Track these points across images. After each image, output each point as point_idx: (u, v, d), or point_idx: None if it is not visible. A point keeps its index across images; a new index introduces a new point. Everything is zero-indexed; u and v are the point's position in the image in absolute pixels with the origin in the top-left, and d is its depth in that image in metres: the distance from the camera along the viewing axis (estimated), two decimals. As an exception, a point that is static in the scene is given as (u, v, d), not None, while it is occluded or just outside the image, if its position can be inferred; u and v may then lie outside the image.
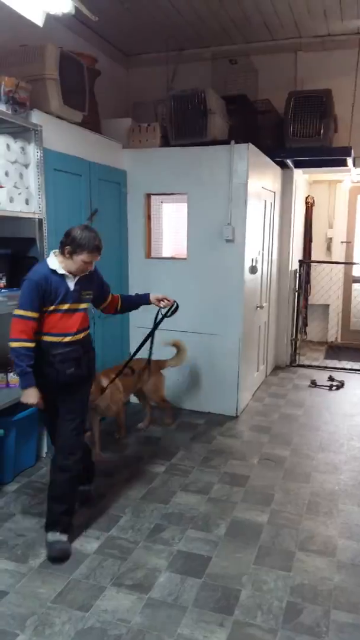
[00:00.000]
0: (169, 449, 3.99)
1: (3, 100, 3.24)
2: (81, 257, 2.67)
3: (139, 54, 5.81)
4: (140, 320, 4.77)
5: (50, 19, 3.32)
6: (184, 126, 4.55)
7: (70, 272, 2.72)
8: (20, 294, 2.69)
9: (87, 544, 2.78)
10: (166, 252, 5.13)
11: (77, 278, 2.77)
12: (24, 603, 2.33)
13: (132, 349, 4.81)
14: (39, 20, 3.23)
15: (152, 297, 3.22)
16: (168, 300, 3.25)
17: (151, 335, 3.47)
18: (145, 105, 5.35)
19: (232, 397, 4.73)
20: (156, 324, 3.42)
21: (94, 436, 3.79)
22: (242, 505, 3.18)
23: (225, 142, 4.47)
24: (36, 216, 3.47)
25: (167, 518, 3.03)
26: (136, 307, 3.30)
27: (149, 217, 4.85)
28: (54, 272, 2.70)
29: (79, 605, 2.32)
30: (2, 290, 3.31)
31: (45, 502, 2.84)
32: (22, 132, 3.39)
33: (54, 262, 2.73)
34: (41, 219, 3.49)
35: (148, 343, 3.49)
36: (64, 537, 2.71)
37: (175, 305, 3.31)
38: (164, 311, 3.35)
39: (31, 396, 2.67)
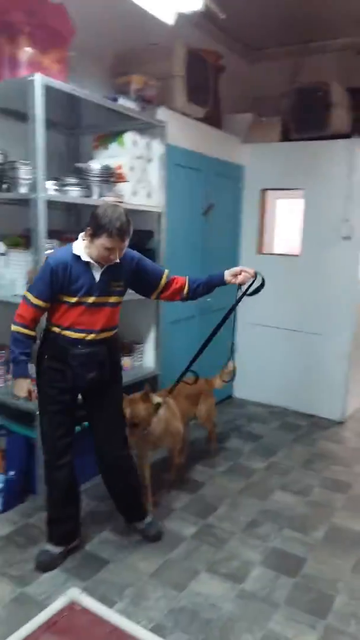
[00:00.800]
0: (270, 447, 3.98)
1: (132, 98, 3.41)
2: (101, 242, 2.26)
3: (263, 48, 5.77)
4: (251, 315, 4.80)
5: (178, 16, 3.41)
6: (305, 119, 4.46)
7: (95, 260, 2.35)
8: (35, 276, 2.42)
9: (185, 528, 2.87)
10: (278, 249, 5.08)
11: (104, 267, 2.38)
12: (124, 574, 2.48)
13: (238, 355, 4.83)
14: (169, 19, 3.35)
15: (226, 274, 2.61)
16: (247, 272, 2.58)
17: (221, 324, 2.79)
18: (267, 100, 5.32)
19: (339, 401, 4.58)
20: (232, 307, 2.72)
21: (143, 478, 2.98)
22: (343, 513, 3.09)
23: (347, 135, 4.32)
24: (156, 209, 3.61)
25: (264, 514, 3.04)
26: (209, 291, 2.69)
27: (263, 213, 4.83)
28: (77, 258, 2.34)
29: (173, 585, 2.42)
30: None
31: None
32: (148, 128, 3.53)
33: (79, 246, 2.36)
34: (160, 213, 3.63)
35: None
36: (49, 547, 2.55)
37: (257, 278, 2.61)
38: (244, 288, 2.65)
39: (21, 388, 2.44)
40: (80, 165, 3.22)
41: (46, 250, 2.84)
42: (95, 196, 3.18)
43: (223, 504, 3.14)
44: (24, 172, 2.88)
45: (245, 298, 2.69)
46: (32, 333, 2.38)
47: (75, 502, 2.62)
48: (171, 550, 2.67)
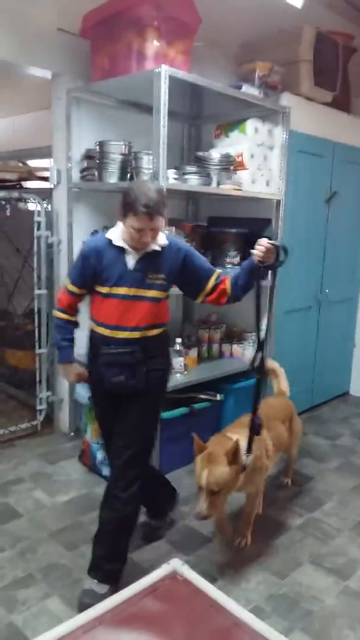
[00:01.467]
0: (386, 447, 3.77)
1: (256, 84, 3.39)
2: (129, 222, 2.03)
3: None
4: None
5: (307, -1, 3.33)
6: None
7: (130, 246, 2.13)
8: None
9: (291, 518, 2.83)
10: None
11: (140, 254, 2.14)
12: (226, 553, 2.52)
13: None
14: (297, 2, 3.27)
15: (254, 254, 2.16)
16: (260, 245, 2.11)
17: (257, 315, 2.28)
18: None
19: None
20: (256, 288, 2.23)
21: (222, 526, 2.61)
22: None
23: None
24: (275, 197, 3.56)
25: (376, 515, 2.90)
26: (247, 280, 2.24)
27: (393, 202, 4.54)
28: (111, 243, 2.14)
29: (275, 571, 2.41)
30: (235, 266, 3.51)
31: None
32: (270, 115, 3.49)
33: (115, 230, 2.16)
34: (279, 200, 3.58)
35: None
36: (100, 588, 2.12)
37: (278, 252, 2.13)
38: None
39: (68, 373, 2.37)
40: (200, 153, 3.29)
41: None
42: (214, 184, 3.23)
43: (332, 500, 3.04)
44: (146, 162, 3.01)
45: None
46: (72, 318, 2.30)
47: (130, 533, 2.24)
48: (275, 539, 2.65)
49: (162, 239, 2.18)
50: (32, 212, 3.47)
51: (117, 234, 2.14)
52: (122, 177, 3.16)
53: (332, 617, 2.15)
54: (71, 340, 2.32)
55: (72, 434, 3.66)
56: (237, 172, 3.36)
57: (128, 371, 2.15)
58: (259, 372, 2.34)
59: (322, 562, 2.48)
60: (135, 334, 2.15)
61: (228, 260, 3.54)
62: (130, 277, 2.12)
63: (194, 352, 3.54)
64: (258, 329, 2.30)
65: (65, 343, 2.30)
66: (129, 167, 3.15)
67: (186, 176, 3.15)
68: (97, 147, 3.17)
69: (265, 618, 2.11)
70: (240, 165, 3.38)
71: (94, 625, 1.46)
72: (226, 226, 3.64)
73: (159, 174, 2.80)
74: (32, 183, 5.35)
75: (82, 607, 1.98)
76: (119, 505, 2.16)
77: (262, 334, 2.31)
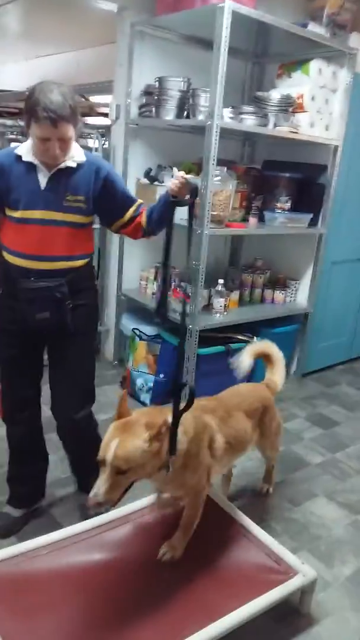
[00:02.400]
0: None
1: (324, 22, 3.28)
2: (32, 130, 1.77)
3: None
4: None
5: None
6: None
7: (41, 161, 1.86)
8: None
9: (311, 456, 2.98)
10: None
11: (53, 171, 1.87)
12: (245, 478, 2.70)
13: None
14: None
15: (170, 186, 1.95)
16: (177, 180, 1.91)
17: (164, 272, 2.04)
18: None
19: None
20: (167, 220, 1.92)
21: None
22: None
23: None
24: (333, 143, 3.50)
25: None
26: (162, 214, 2.01)
27: None
28: (19, 159, 1.87)
29: (289, 499, 2.58)
30: (286, 212, 3.52)
31: (283, 411, 3.12)
32: (336, 56, 3.38)
33: (25, 144, 1.88)
34: (337, 146, 3.51)
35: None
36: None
37: (193, 191, 1.91)
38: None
39: None
40: (259, 93, 3.26)
41: (215, 177, 3.00)
42: (270, 126, 3.21)
43: (355, 444, 3.15)
44: (203, 100, 3.03)
45: None
46: None
47: (36, 460, 2.27)
48: (293, 472, 2.81)
49: (78, 155, 1.91)
50: (90, 149, 3.58)
51: (27, 149, 1.87)
52: (179, 114, 3.20)
53: (338, 543, 2.32)
54: None
55: (115, 362, 3.90)
56: (296, 114, 3.32)
57: (53, 307, 1.93)
58: (158, 316, 2.25)
59: (335, 497, 2.63)
60: (59, 264, 1.93)
61: (279, 205, 3.55)
62: (44, 198, 1.87)
63: (235, 295, 3.63)
64: (165, 266, 1.96)
65: None
66: (186, 105, 3.18)
67: (242, 116, 3.15)
68: (157, 83, 3.20)
69: (275, 536, 2.28)
70: (300, 108, 3.33)
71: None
72: (280, 170, 3.63)
73: (214, 112, 2.82)
74: (92, 119, 5.42)
75: None
76: (83, 429, 2.14)
77: (169, 271, 2.06)
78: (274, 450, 2.44)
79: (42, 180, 1.87)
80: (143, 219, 2.09)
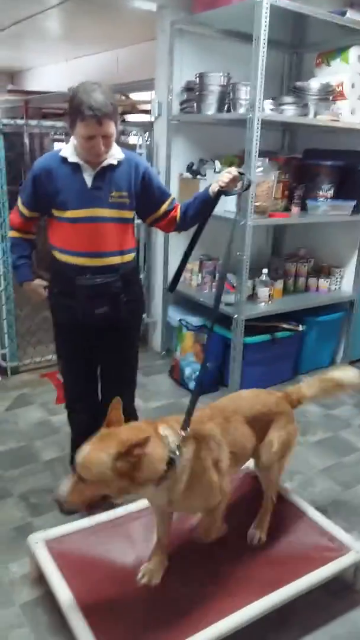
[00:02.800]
0: None
1: (362, 8, 3.27)
2: (77, 130, 1.86)
3: None
4: None
5: None
6: None
7: (85, 161, 1.96)
8: None
9: (359, 442, 3.03)
10: None
11: (97, 170, 1.96)
12: (295, 463, 2.74)
13: None
14: None
15: (213, 185, 2.06)
16: (228, 172, 2.02)
17: (196, 236, 2.14)
18: None
19: None
20: (207, 211, 2.09)
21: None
22: None
23: None
24: (374, 129, 3.49)
25: None
26: (197, 212, 2.13)
27: None
28: (64, 161, 1.97)
29: (340, 482, 2.63)
30: (328, 200, 3.54)
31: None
32: (376, 41, 3.37)
33: (68, 146, 1.98)
34: (378, 132, 3.50)
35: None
36: None
37: (242, 180, 2.04)
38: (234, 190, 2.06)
39: (31, 292, 2.21)
40: (298, 83, 3.29)
41: (257, 168, 3.05)
42: (311, 115, 3.24)
43: None
44: (243, 93, 3.09)
45: None
46: (27, 236, 2.17)
47: None
48: (343, 457, 2.86)
49: (118, 152, 2.01)
50: (133, 145, 3.69)
51: (71, 150, 1.96)
52: (220, 108, 3.27)
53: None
54: (28, 258, 2.19)
55: (163, 352, 4.02)
56: (337, 102, 3.33)
57: (111, 301, 2.04)
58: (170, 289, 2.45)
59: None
60: (112, 260, 2.03)
61: (321, 193, 3.57)
62: (91, 196, 1.96)
63: (279, 284, 3.68)
64: (187, 254, 2.19)
65: (22, 261, 2.17)
66: (227, 99, 3.25)
67: (282, 107, 3.20)
68: (197, 79, 3.28)
69: (327, 518, 2.35)
70: (340, 95, 3.34)
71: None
72: (322, 158, 3.64)
73: (255, 105, 2.87)
74: (133, 116, 5.54)
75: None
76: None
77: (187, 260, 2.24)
78: (273, 472, 1.98)
79: (88, 179, 1.97)
80: (177, 213, 2.18)
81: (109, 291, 2.03)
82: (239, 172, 2.03)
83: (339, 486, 2.61)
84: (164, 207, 2.17)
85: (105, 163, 1.98)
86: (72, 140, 1.98)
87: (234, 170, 2.02)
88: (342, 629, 1.83)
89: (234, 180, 2.02)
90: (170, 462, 1.54)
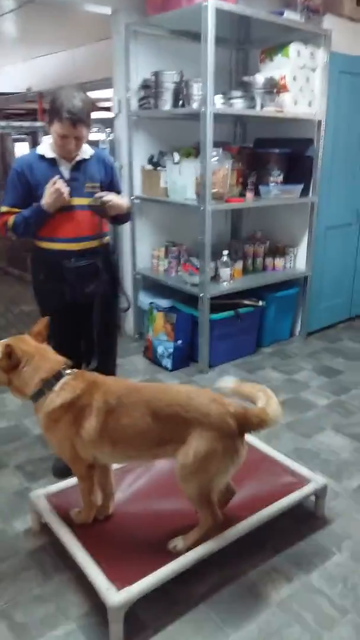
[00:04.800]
0: None
1: (298, 9, 3.59)
2: (54, 128, 2.13)
3: None
4: None
5: None
6: None
7: (61, 157, 2.22)
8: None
9: (319, 399, 3.36)
10: None
11: (73, 163, 2.24)
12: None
13: None
14: None
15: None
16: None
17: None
18: None
19: None
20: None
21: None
22: None
23: None
24: (316, 117, 3.82)
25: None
26: (122, 215, 2.42)
27: None
28: (42, 157, 2.23)
29: (301, 433, 2.97)
30: (279, 185, 3.86)
31: (291, 365, 3.46)
32: (312, 38, 3.69)
33: (44, 144, 2.25)
34: (320, 120, 3.83)
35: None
36: None
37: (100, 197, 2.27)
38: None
39: (56, 196, 2.17)
40: (245, 78, 3.59)
41: (213, 158, 3.34)
42: (257, 107, 3.55)
43: (358, 388, 3.52)
44: (196, 89, 3.37)
45: None
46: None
47: None
48: (304, 413, 3.20)
49: (88, 149, 2.30)
50: (96, 142, 3.91)
51: (47, 148, 2.23)
52: (175, 104, 3.54)
53: (346, 465, 2.70)
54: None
55: (136, 336, 4.28)
56: (280, 94, 3.64)
57: (96, 280, 2.33)
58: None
59: (341, 429, 3.01)
60: (92, 243, 2.31)
61: (272, 179, 3.88)
62: (69, 187, 2.20)
63: (239, 265, 3.99)
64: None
65: (28, 211, 2.24)
66: (181, 95, 3.51)
67: (232, 101, 3.49)
68: (153, 77, 3.53)
69: (291, 462, 2.68)
70: (283, 88, 3.65)
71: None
72: (271, 147, 3.95)
73: (207, 100, 3.15)
74: (94, 113, 5.73)
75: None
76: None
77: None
78: (188, 486, 1.84)
79: (65, 172, 2.25)
80: None
81: (93, 271, 2.32)
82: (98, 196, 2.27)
83: (300, 436, 2.94)
84: None
85: (79, 158, 2.27)
86: (47, 139, 2.28)
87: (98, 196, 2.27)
88: (307, 548, 2.14)
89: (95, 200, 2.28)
90: (39, 392, 1.84)
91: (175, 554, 1.88)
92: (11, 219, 2.28)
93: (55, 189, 2.17)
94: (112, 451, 1.88)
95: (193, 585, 1.94)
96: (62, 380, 1.85)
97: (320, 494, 2.27)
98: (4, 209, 2.30)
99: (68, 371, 1.88)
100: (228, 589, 1.93)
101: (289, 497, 2.17)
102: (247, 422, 1.81)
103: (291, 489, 2.23)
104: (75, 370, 1.92)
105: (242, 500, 2.17)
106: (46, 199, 2.19)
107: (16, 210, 2.28)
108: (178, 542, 1.94)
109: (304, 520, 2.28)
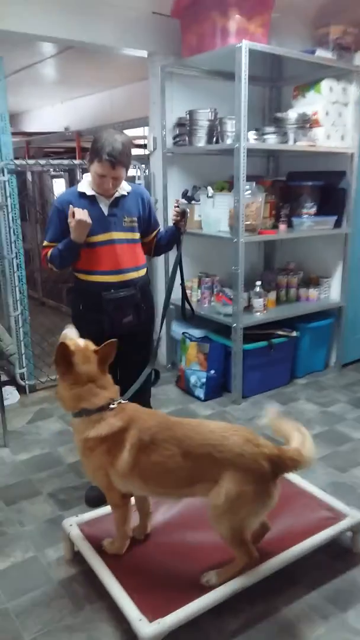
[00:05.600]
0: None
1: (330, 47, 3.68)
2: (94, 168, 2.24)
3: None
4: None
5: None
6: None
7: (99, 194, 2.33)
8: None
9: (355, 433, 3.29)
10: None
11: (112, 200, 2.35)
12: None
13: None
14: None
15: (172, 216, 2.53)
16: (174, 210, 2.51)
17: (174, 270, 2.55)
18: None
19: None
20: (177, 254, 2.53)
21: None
22: None
23: None
24: (349, 151, 3.86)
25: None
26: (168, 242, 2.59)
27: None
28: (82, 195, 2.33)
29: (337, 467, 2.90)
30: (312, 217, 3.89)
31: (326, 397, 3.42)
32: (345, 74, 3.76)
33: (83, 183, 2.35)
34: (353, 153, 3.87)
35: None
36: None
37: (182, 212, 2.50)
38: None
39: (81, 227, 2.25)
40: (278, 114, 3.67)
41: (246, 191, 3.40)
42: (290, 142, 3.61)
43: None
44: (230, 126, 3.47)
45: None
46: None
47: None
48: (339, 446, 3.13)
49: (125, 186, 2.40)
50: (133, 177, 4.05)
51: (87, 186, 2.33)
52: (209, 140, 3.64)
53: (383, 500, 2.63)
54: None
55: (169, 365, 4.31)
56: (313, 129, 3.71)
57: (134, 311, 2.41)
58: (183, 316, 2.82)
59: (379, 464, 2.94)
60: (131, 275, 2.39)
61: (305, 211, 3.92)
62: (109, 222, 2.33)
63: (272, 295, 4.00)
64: (182, 280, 2.62)
65: (62, 244, 2.32)
66: (215, 131, 3.62)
67: (265, 136, 3.57)
68: (187, 115, 3.66)
69: (326, 496, 2.62)
70: (316, 123, 3.72)
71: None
72: (304, 180, 4.01)
73: (240, 136, 3.24)
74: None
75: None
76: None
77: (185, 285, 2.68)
78: (220, 526, 1.82)
79: (104, 208, 2.36)
80: (154, 242, 2.59)
81: (132, 302, 2.40)
82: (176, 206, 2.50)
83: (336, 470, 2.88)
84: (153, 234, 2.59)
85: (117, 194, 2.38)
86: (86, 177, 2.37)
87: (175, 206, 2.49)
88: (343, 585, 2.08)
89: (177, 213, 2.48)
90: (78, 414, 1.88)
91: (208, 588, 1.86)
92: (50, 252, 2.39)
93: (74, 220, 2.23)
94: (143, 487, 1.90)
95: (225, 620, 1.90)
96: (103, 415, 1.87)
97: (357, 529, 2.22)
98: (45, 243, 2.42)
99: (113, 405, 1.89)
100: (261, 626, 1.89)
101: (324, 532, 2.13)
102: (282, 465, 1.80)
103: (327, 524, 2.19)
104: (118, 402, 1.92)
105: (277, 535, 2.13)
106: (71, 232, 2.28)
107: (55, 244, 2.38)
108: (212, 577, 1.91)
109: (340, 556, 2.22)
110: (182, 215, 2.50)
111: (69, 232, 2.31)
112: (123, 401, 1.94)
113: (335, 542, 2.20)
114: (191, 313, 2.75)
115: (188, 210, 2.54)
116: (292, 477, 2.54)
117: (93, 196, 2.33)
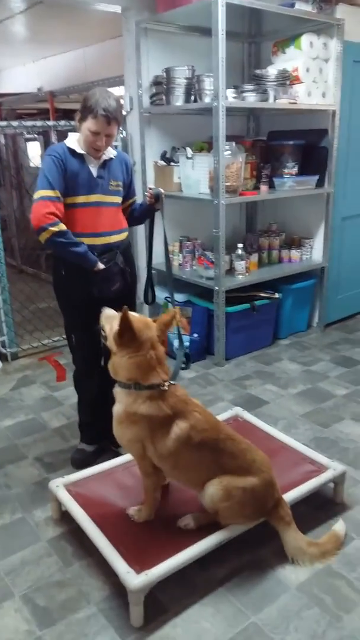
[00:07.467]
0: None
1: (310, 0, 3.58)
2: (86, 124, 2.19)
3: None
4: None
5: None
6: None
7: (88, 152, 2.28)
8: (38, 177, 2.25)
9: (337, 389, 3.34)
10: None
11: (101, 161, 2.33)
12: (279, 411, 3.09)
13: None
14: None
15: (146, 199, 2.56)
16: (147, 192, 2.54)
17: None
18: None
19: None
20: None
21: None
22: None
23: None
24: (330, 108, 3.80)
25: None
26: (141, 215, 2.63)
27: None
28: (72, 152, 2.27)
29: (320, 423, 2.96)
30: (294, 177, 3.85)
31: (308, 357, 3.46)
32: (325, 28, 3.68)
33: (72, 139, 2.29)
34: (334, 111, 3.81)
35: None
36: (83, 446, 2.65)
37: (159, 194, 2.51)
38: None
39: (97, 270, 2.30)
40: (257, 71, 3.59)
41: (226, 152, 3.34)
42: (270, 100, 3.54)
43: (378, 378, 3.51)
44: (208, 84, 3.38)
45: None
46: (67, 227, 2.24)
47: (104, 405, 2.32)
48: (322, 403, 3.18)
49: (111, 150, 2.37)
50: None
51: (76, 144, 2.27)
52: (187, 99, 3.55)
53: (364, 453, 2.69)
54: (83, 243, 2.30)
55: (152, 331, 4.30)
56: (294, 86, 3.64)
57: (121, 277, 2.40)
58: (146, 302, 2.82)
59: (360, 419, 3.01)
60: (114, 238, 2.37)
61: (286, 171, 3.88)
62: (97, 184, 2.30)
63: (254, 257, 3.99)
64: (150, 257, 2.73)
65: (85, 247, 2.27)
66: (193, 90, 3.53)
67: (244, 94, 3.49)
68: (164, 73, 3.56)
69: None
70: (296, 80, 3.65)
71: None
72: (285, 139, 3.95)
73: (219, 94, 3.16)
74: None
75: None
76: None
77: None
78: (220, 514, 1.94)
79: (93, 169, 2.32)
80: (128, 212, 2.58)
81: (119, 269, 2.39)
82: (150, 188, 2.52)
83: (319, 426, 2.93)
84: (128, 203, 2.57)
85: (105, 157, 2.34)
86: (73, 136, 2.32)
87: (149, 188, 2.52)
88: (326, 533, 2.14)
89: (152, 196, 2.50)
90: (127, 386, 1.90)
91: (194, 540, 1.90)
92: (61, 228, 2.19)
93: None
94: (168, 471, 2.00)
95: (212, 570, 1.95)
96: (154, 393, 1.88)
97: (339, 480, 2.27)
98: (49, 192, 2.19)
99: (164, 387, 1.89)
100: (247, 574, 1.94)
101: (307, 484, 2.18)
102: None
103: (310, 476, 2.23)
104: (172, 386, 1.93)
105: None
106: (99, 268, 2.31)
107: (59, 193, 2.20)
108: (189, 521, 2.01)
109: (323, 507, 2.28)
110: (157, 199, 2.51)
111: (71, 181, 2.24)
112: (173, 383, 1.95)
113: (318, 493, 2.25)
114: (152, 300, 2.83)
115: (162, 190, 2.52)
116: (276, 432, 2.59)
117: (82, 156, 2.29)
